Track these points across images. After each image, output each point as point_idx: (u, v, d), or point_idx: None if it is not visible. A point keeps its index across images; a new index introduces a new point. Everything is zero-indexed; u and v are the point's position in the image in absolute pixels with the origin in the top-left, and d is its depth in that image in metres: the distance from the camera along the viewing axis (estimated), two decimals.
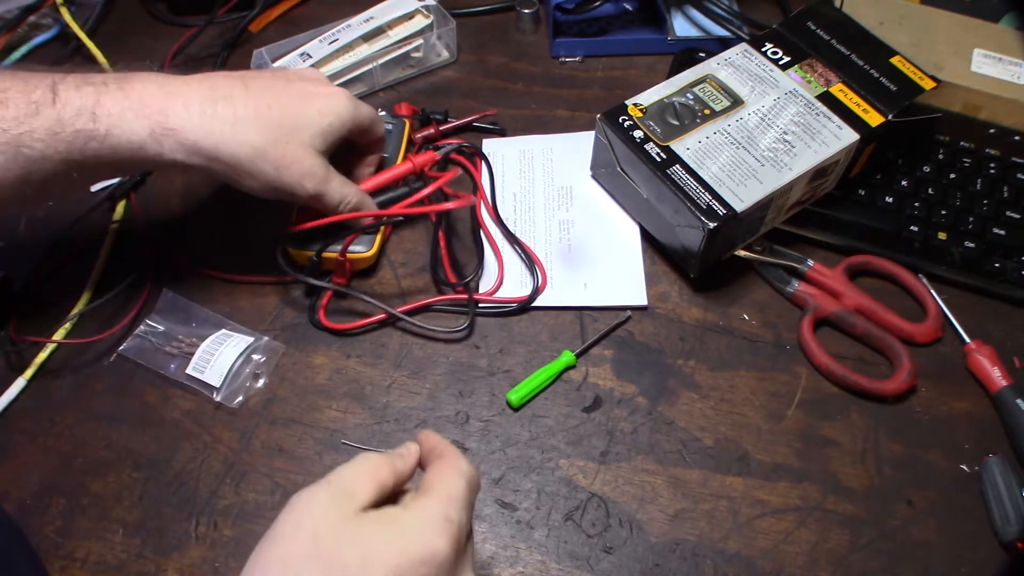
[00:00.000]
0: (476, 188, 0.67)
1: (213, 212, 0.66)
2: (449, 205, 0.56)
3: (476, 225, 0.64)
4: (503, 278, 0.62)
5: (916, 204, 0.64)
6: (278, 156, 0.51)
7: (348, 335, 0.59)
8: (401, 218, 0.64)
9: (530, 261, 0.62)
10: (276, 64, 0.70)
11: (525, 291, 0.61)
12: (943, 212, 0.64)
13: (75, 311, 0.59)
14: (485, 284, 0.61)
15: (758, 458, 0.54)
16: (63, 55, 0.77)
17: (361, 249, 0.60)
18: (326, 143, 0.54)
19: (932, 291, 0.61)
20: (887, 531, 0.52)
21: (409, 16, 0.74)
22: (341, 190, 0.55)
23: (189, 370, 0.56)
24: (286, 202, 0.55)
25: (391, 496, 0.39)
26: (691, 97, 0.62)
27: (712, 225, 0.55)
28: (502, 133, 0.71)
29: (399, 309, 0.59)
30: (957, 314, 0.60)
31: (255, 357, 0.57)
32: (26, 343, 0.57)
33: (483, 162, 0.67)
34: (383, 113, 0.69)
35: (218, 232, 0.65)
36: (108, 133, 0.47)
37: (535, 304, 0.60)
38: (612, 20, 0.79)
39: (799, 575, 0.50)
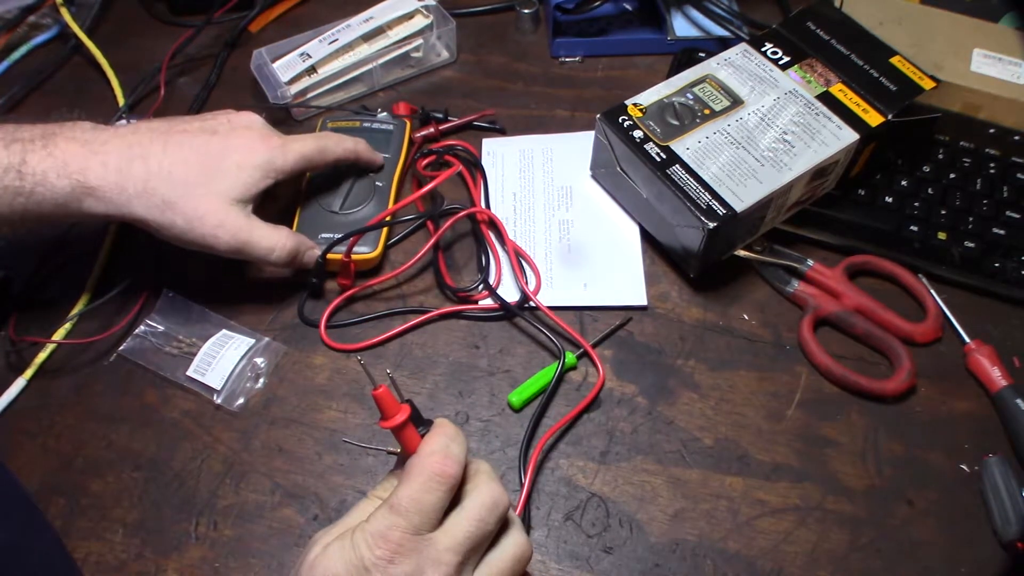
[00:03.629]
0: (470, 189, 0.67)
1: None
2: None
3: (476, 227, 0.64)
4: (500, 280, 0.62)
5: (916, 204, 0.64)
6: (189, 210, 0.52)
7: (349, 337, 0.59)
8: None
9: (522, 265, 0.62)
10: (276, 64, 0.70)
11: (528, 291, 0.61)
12: (943, 212, 0.64)
13: (75, 311, 0.59)
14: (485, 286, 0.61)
15: (758, 458, 0.54)
16: (63, 55, 0.77)
17: (366, 250, 0.60)
18: (247, 194, 0.54)
19: (932, 291, 0.61)
20: (887, 531, 0.52)
21: (409, 16, 0.74)
22: (268, 240, 0.55)
23: (190, 372, 0.56)
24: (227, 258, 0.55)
25: None
26: (691, 97, 0.62)
27: (712, 225, 0.55)
28: (502, 132, 0.71)
29: (405, 323, 0.59)
30: (957, 314, 0.60)
31: (257, 360, 0.57)
32: (26, 343, 0.57)
33: (479, 170, 0.67)
34: (383, 114, 0.69)
35: None
36: (33, 191, 0.49)
37: (535, 304, 0.60)
38: (612, 20, 0.78)
39: (799, 575, 0.50)
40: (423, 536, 0.38)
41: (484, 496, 0.41)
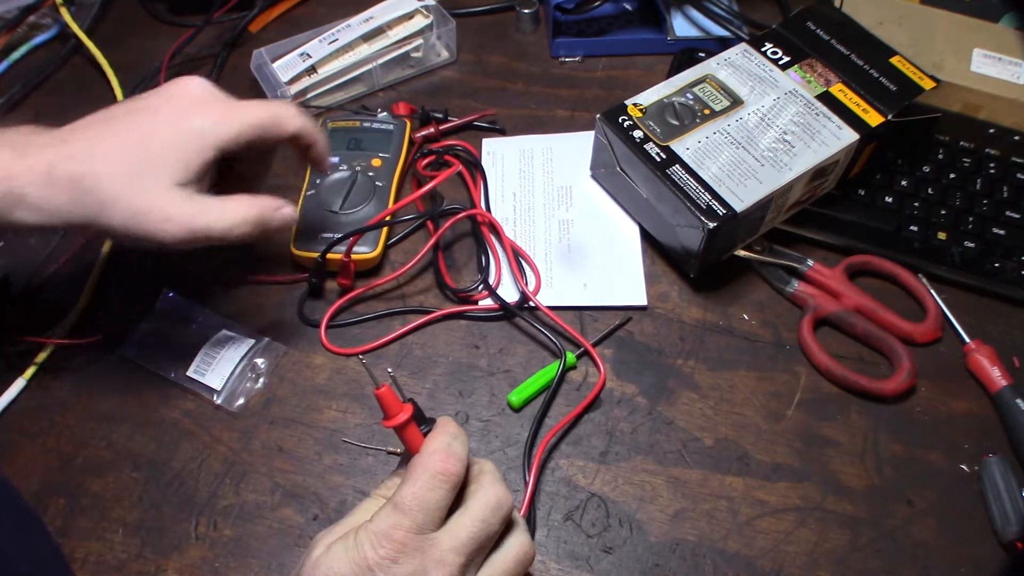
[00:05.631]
0: (470, 189, 0.67)
1: None
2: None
3: (476, 228, 0.64)
4: (500, 280, 0.62)
5: (916, 204, 0.64)
6: (126, 208, 0.45)
7: (349, 337, 0.59)
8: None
9: (520, 264, 0.62)
10: (276, 64, 0.70)
11: (527, 291, 0.61)
12: (943, 212, 0.64)
13: (75, 311, 0.59)
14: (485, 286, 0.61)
15: (758, 458, 0.54)
16: (63, 55, 0.77)
17: (365, 249, 0.60)
18: (187, 175, 0.46)
19: (932, 291, 0.61)
20: (887, 531, 0.52)
21: (409, 16, 0.74)
22: (224, 219, 0.47)
23: (190, 372, 0.56)
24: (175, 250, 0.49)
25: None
26: (691, 97, 0.62)
27: (712, 225, 0.55)
28: (502, 132, 0.71)
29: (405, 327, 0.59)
30: (957, 314, 0.60)
31: (257, 360, 0.57)
32: (26, 343, 0.57)
33: (479, 170, 0.67)
34: (384, 114, 0.69)
35: None
36: None
37: (535, 304, 0.60)
38: (612, 20, 0.79)
39: (799, 575, 0.50)
40: (427, 535, 0.38)
41: (488, 497, 0.40)
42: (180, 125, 0.47)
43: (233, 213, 0.48)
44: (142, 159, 0.46)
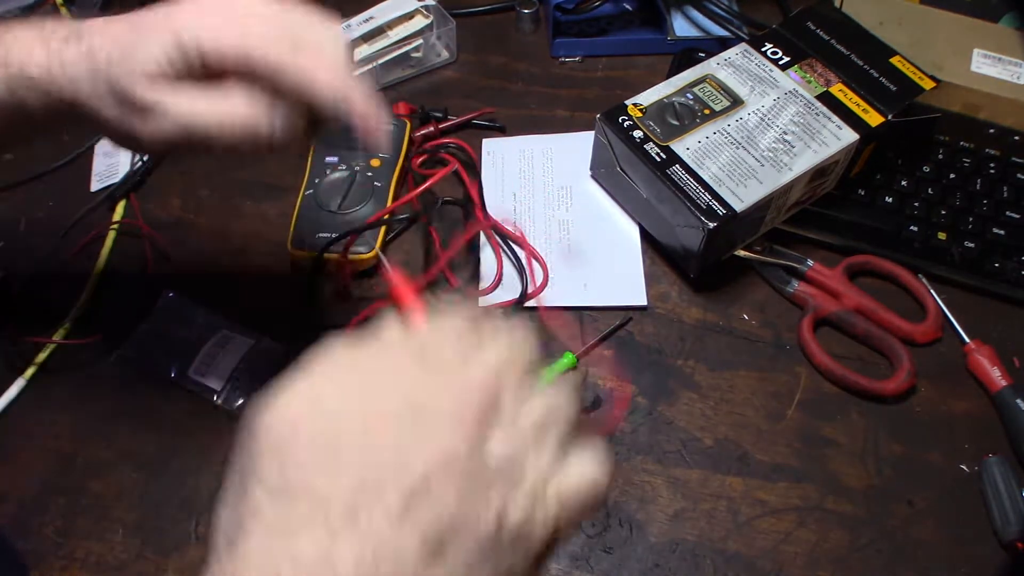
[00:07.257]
0: (466, 189, 0.67)
1: (213, 212, 0.66)
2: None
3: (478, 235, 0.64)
4: (501, 278, 0.62)
5: (916, 204, 0.64)
6: (115, 76, 0.37)
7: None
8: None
9: (519, 262, 0.62)
10: None
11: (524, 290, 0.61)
12: (943, 212, 0.64)
13: (75, 311, 0.59)
14: (482, 285, 0.61)
15: (758, 458, 0.54)
16: None
17: (363, 249, 0.60)
18: (167, 66, 0.37)
19: (932, 291, 0.61)
20: (887, 531, 0.52)
21: (409, 16, 0.74)
22: (211, 114, 0.38)
23: (190, 373, 0.56)
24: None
25: None
26: (691, 97, 0.62)
27: (712, 225, 0.55)
28: (502, 130, 0.71)
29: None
30: (957, 314, 0.60)
31: (257, 360, 0.57)
32: (26, 343, 0.57)
33: (475, 167, 0.67)
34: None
35: (218, 232, 0.65)
36: (8, 53, 0.39)
37: (535, 304, 0.60)
38: (612, 20, 0.79)
39: (799, 575, 0.50)
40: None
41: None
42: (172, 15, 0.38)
43: (226, 108, 0.38)
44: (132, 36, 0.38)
